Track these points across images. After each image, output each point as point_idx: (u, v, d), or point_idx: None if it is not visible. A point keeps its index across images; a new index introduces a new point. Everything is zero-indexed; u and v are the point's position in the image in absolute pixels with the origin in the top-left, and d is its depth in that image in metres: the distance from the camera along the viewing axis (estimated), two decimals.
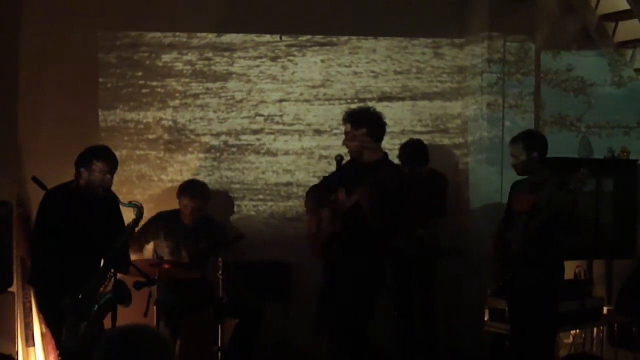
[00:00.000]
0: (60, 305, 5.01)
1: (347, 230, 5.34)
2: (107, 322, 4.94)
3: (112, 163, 5.33)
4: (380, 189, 5.22)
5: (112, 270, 5.07)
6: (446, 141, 7.07)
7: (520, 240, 5.27)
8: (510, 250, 5.35)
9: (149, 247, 6.27)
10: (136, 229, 5.29)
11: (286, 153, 6.91)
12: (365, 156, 5.50)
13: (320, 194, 5.60)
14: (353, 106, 6.06)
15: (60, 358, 5.18)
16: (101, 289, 5.07)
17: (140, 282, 5.02)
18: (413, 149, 6.49)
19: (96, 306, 4.98)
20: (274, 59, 6.91)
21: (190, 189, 6.26)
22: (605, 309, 6.46)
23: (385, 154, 5.61)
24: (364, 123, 5.49)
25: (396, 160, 6.62)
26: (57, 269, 5.09)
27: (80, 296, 4.99)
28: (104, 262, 5.05)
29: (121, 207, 5.29)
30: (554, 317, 5.46)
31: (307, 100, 6.93)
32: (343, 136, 5.57)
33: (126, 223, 5.22)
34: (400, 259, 6.37)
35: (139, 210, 5.13)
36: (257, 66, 6.88)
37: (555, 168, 5.41)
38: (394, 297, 6.29)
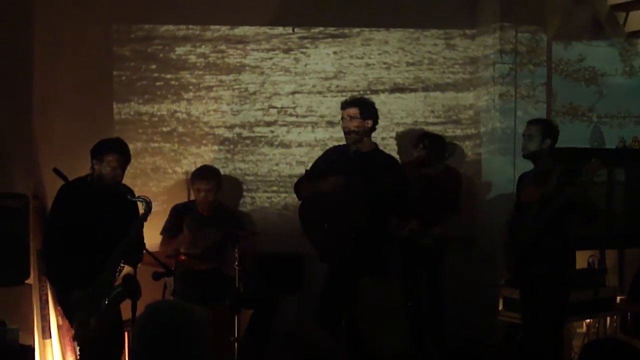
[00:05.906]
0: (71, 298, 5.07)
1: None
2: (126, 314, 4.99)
3: (123, 156, 5.32)
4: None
5: (122, 264, 5.12)
6: (459, 132, 7.07)
7: (533, 230, 5.29)
8: (521, 240, 5.38)
9: None
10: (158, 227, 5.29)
11: (299, 145, 6.92)
12: (361, 146, 5.69)
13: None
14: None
15: (78, 349, 5.23)
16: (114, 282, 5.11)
17: (159, 273, 5.05)
18: (437, 143, 6.50)
19: (106, 300, 5.01)
20: (286, 51, 6.91)
21: (203, 172, 6.32)
22: (618, 298, 6.50)
23: (376, 145, 5.82)
24: (371, 115, 5.72)
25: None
26: (71, 262, 5.12)
27: (90, 290, 5.02)
28: (115, 256, 5.09)
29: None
30: (565, 307, 5.49)
31: (320, 92, 6.94)
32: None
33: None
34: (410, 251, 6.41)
35: (148, 205, 5.17)
36: (270, 58, 6.89)
37: (565, 158, 5.44)
38: (405, 288, 6.35)
